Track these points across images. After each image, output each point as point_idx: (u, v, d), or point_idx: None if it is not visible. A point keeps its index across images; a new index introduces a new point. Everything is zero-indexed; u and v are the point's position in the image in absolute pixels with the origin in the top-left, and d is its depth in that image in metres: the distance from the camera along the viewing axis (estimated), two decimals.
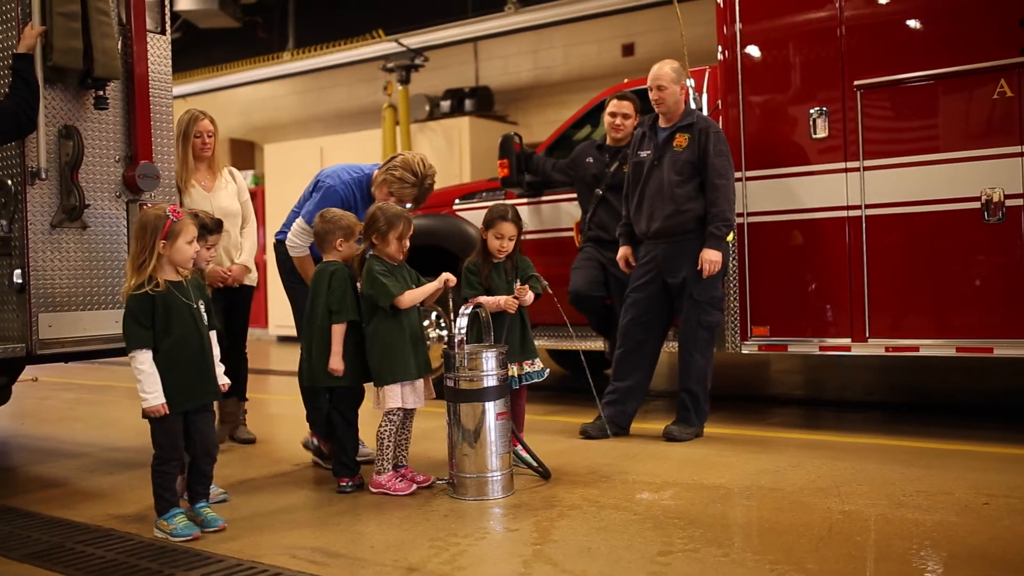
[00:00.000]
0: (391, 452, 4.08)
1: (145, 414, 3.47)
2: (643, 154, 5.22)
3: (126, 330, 3.45)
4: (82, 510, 3.96)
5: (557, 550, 3.20)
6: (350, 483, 4.14)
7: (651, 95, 5.14)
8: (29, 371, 6.19)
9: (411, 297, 4.05)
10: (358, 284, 4.12)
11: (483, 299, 4.27)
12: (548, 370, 4.52)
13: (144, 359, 3.43)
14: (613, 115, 5.83)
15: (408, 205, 4.44)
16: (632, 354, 5.18)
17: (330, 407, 4.29)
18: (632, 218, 5.27)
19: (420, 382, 4.09)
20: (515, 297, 4.27)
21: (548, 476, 4.22)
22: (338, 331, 4.09)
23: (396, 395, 4.01)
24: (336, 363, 4.07)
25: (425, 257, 6.54)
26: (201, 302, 3.61)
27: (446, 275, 4.12)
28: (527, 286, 4.31)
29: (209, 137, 5.21)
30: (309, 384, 4.26)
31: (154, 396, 3.42)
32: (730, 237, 5.09)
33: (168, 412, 3.44)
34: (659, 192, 5.07)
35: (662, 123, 5.19)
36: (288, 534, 3.51)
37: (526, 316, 4.43)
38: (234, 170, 5.51)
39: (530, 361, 4.42)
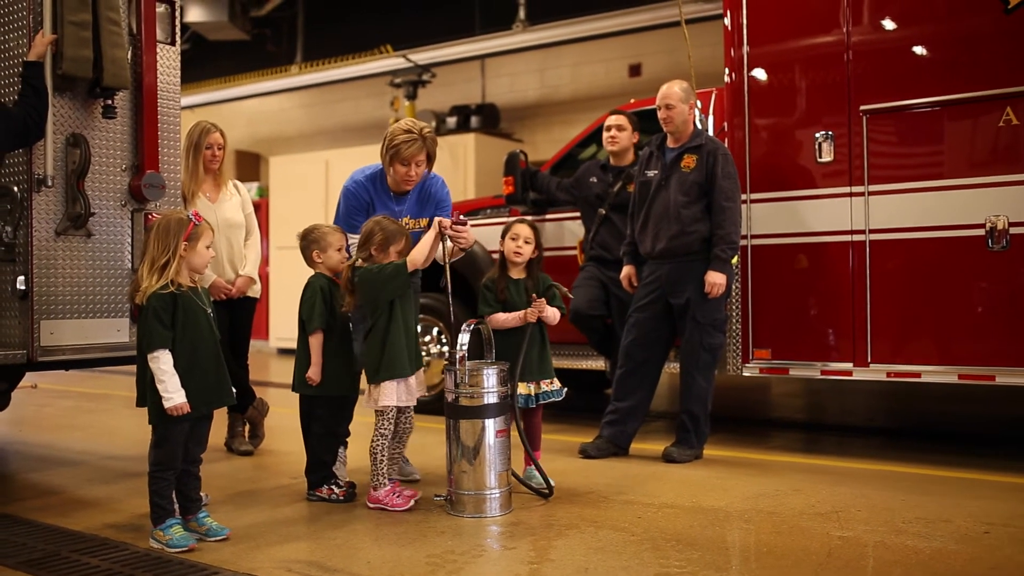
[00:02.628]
0: (385, 466, 4.06)
1: (158, 417, 3.45)
2: (650, 174, 5.22)
3: (148, 329, 3.43)
4: (78, 519, 3.95)
5: (554, 570, 3.18)
6: (335, 492, 4.18)
7: (660, 114, 5.16)
8: (28, 378, 6.19)
9: (419, 251, 4.03)
10: (346, 297, 4.08)
11: (501, 315, 4.28)
12: (566, 389, 4.47)
13: (167, 359, 3.42)
14: (608, 128, 5.89)
15: (423, 166, 4.43)
16: (633, 374, 5.17)
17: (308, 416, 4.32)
18: (637, 237, 5.27)
19: (413, 379, 4.07)
20: (533, 308, 4.25)
21: (551, 494, 4.20)
22: (314, 342, 4.15)
23: (391, 392, 3.98)
24: (312, 372, 4.13)
25: (428, 273, 6.56)
26: (210, 309, 3.63)
27: (438, 219, 4.14)
28: (544, 299, 4.28)
29: (219, 149, 5.24)
30: (298, 391, 4.28)
31: (179, 395, 3.42)
32: (734, 260, 5.09)
33: (189, 411, 3.44)
34: (665, 212, 5.07)
35: (670, 143, 5.20)
36: (284, 547, 3.49)
37: (545, 334, 4.41)
38: (238, 183, 5.53)
39: (548, 380, 4.39)
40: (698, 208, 5.00)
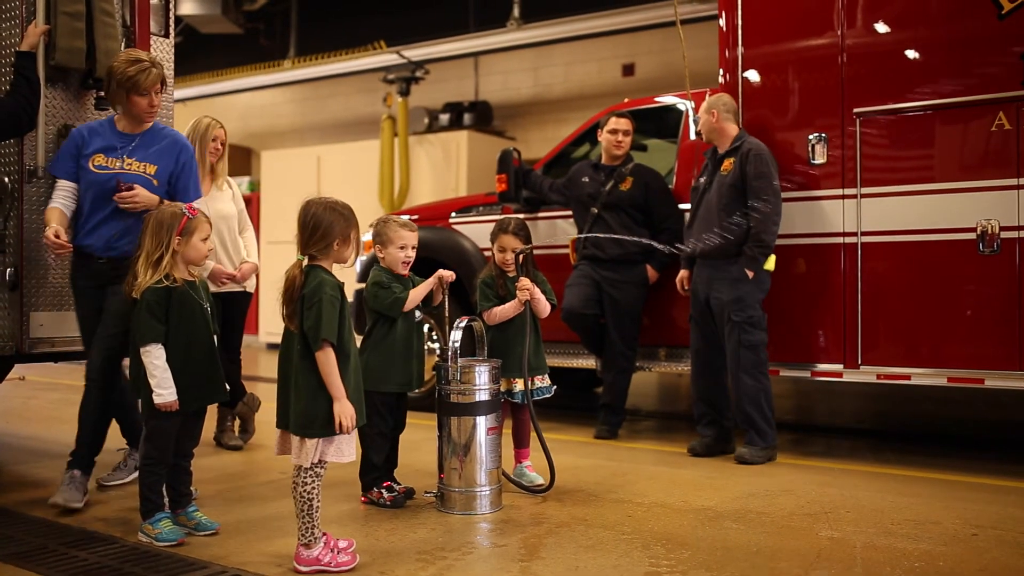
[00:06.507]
0: (319, 513, 3.20)
1: (150, 412, 3.45)
2: (701, 180, 5.34)
3: (141, 323, 3.42)
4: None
5: (544, 568, 3.18)
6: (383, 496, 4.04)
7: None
8: (17, 370, 6.15)
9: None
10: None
11: (499, 308, 4.28)
12: (555, 387, 4.48)
13: (160, 354, 3.42)
14: (614, 132, 5.86)
15: (160, 95, 3.97)
16: (704, 375, 5.26)
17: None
18: (686, 242, 5.36)
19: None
20: (520, 289, 4.22)
21: (548, 489, 4.20)
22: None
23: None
24: None
25: (419, 270, 6.55)
26: (208, 304, 3.61)
27: (441, 273, 4.12)
28: (527, 279, 4.26)
29: (221, 145, 5.28)
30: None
31: (169, 392, 3.41)
32: (771, 263, 5.06)
33: (178, 408, 3.43)
34: (707, 216, 5.16)
35: (719, 150, 5.27)
36: (275, 542, 3.48)
37: (539, 330, 4.41)
38: (229, 178, 5.52)
39: (540, 376, 4.39)
40: (733, 211, 5.04)
